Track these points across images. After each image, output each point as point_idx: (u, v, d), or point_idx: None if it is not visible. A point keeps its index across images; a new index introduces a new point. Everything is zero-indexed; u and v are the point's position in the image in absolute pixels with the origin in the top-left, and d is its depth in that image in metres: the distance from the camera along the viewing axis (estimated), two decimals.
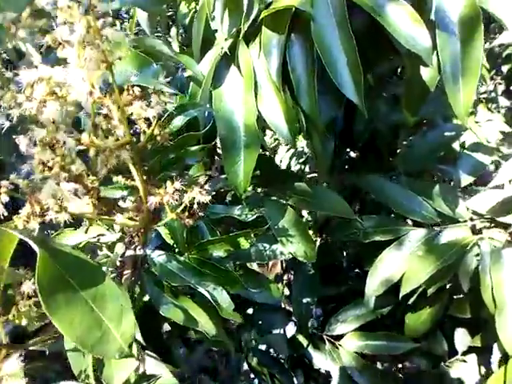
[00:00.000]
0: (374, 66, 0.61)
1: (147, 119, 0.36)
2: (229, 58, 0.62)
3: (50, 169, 0.34)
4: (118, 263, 0.58)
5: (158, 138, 0.35)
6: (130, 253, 0.61)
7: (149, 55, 0.59)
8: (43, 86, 0.31)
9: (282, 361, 0.97)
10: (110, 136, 0.34)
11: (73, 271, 0.39)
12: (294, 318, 1.01)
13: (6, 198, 0.34)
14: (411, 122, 0.64)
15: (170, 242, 0.66)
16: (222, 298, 0.60)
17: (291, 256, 0.72)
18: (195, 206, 0.45)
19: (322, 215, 0.93)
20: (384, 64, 0.69)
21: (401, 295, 0.76)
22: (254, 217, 0.63)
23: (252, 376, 1.03)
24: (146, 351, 0.61)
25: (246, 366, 1.02)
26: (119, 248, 0.59)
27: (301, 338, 0.97)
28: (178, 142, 0.57)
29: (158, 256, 0.60)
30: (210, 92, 0.62)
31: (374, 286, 0.82)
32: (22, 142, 0.38)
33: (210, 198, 0.45)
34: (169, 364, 0.83)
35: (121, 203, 0.52)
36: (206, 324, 0.59)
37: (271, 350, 1.02)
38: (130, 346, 0.41)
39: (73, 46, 0.29)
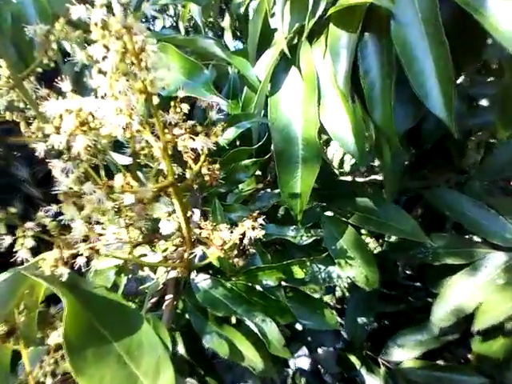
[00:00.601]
0: (462, 72, 0.51)
1: (194, 150, 0.30)
2: (288, 60, 0.55)
3: (81, 209, 0.30)
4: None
5: (207, 177, 0.29)
6: (172, 275, 0.56)
7: (200, 56, 0.53)
8: (72, 118, 0.25)
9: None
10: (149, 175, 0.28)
11: (105, 319, 0.34)
12: (345, 335, 0.95)
13: (31, 243, 0.30)
14: (505, 137, 0.53)
15: (217, 264, 0.61)
16: (271, 331, 0.54)
17: (349, 280, 0.65)
18: (246, 242, 0.39)
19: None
20: (471, 66, 0.58)
21: (475, 330, 0.67)
22: (310, 240, 0.57)
23: None
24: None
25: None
26: (162, 270, 0.54)
27: (353, 358, 0.90)
28: (229, 157, 0.51)
29: (203, 280, 0.55)
30: (266, 99, 0.55)
31: (441, 314, 0.73)
32: (56, 167, 0.33)
33: (263, 232, 0.39)
34: (211, 379, 0.80)
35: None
36: (252, 358, 0.54)
37: (320, 369, 0.95)
38: None
39: (105, 73, 0.24)
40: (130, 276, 0.59)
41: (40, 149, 0.27)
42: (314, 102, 0.52)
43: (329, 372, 0.94)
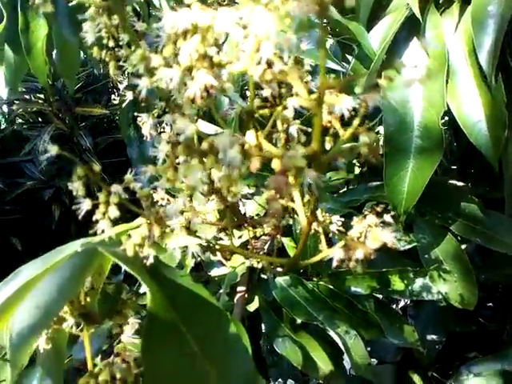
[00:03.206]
0: None
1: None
2: (411, 30, 0.44)
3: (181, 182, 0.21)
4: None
5: (363, 148, 0.20)
6: (246, 265, 0.48)
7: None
8: (195, 40, 0.17)
9: None
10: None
11: (191, 321, 0.26)
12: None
13: (115, 213, 0.22)
14: None
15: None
16: (356, 345, 0.45)
17: (440, 296, 0.54)
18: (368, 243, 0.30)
19: None
20: None
21: None
22: (411, 246, 0.47)
23: None
24: None
25: None
26: (236, 260, 0.46)
27: (416, 377, 0.79)
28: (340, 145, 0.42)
29: (281, 276, 0.46)
30: (379, 73, 0.45)
31: None
32: (145, 123, 0.26)
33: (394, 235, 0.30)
34: (259, 375, 0.72)
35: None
36: (328, 372, 0.45)
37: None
38: None
39: None
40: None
41: (143, 85, 0.19)
42: (442, 82, 0.42)
43: None
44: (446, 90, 0.42)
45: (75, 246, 0.28)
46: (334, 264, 0.23)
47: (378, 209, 0.29)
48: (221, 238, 0.48)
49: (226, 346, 0.27)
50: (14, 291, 0.24)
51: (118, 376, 0.24)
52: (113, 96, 2.25)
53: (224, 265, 0.48)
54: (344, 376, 0.51)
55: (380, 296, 0.59)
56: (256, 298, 0.51)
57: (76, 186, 0.22)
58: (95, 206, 0.23)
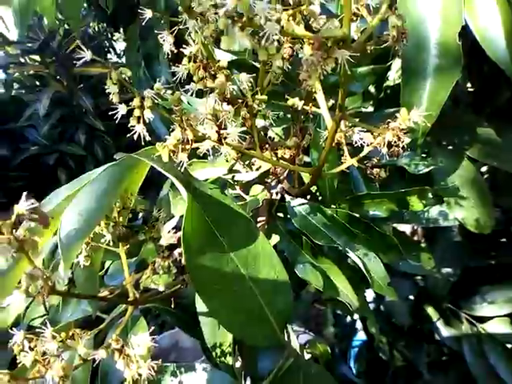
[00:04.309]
0: None
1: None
2: None
3: (214, 77, 0.22)
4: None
5: (393, 31, 0.21)
6: (265, 196, 0.50)
7: None
8: None
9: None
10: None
11: (222, 225, 0.28)
12: (421, 285, 0.87)
13: (150, 116, 0.23)
14: None
15: (313, 188, 0.54)
16: (375, 267, 0.47)
17: (457, 223, 0.56)
18: (385, 151, 0.31)
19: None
20: None
21: None
22: (429, 169, 0.48)
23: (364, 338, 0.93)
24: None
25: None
26: (256, 190, 0.48)
27: (430, 310, 0.83)
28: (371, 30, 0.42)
29: (300, 205, 0.48)
30: None
31: None
32: (166, 40, 0.26)
33: (409, 140, 0.31)
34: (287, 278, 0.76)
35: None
36: (349, 293, 0.48)
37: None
38: (282, 330, 0.31)
39: None
40: None
41: None
42: None
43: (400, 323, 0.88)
44: (463, 5, 0.41)
45: (106, 165, 0.29)
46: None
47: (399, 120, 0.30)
48: (238, 171, 0.49)
49: (255, 249, 0.29)
50: (59, 202, 0.26)
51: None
52: (109, 55, 2.22)
53: (244, 198, 0.50)
54: (365, 301, 0.53)
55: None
56: (274, 236, 0.53)
57: (112, 90, 0.22)
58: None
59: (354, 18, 0.22)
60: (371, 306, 0.91)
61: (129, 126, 0.24)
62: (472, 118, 0.56)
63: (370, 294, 0.93)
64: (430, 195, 0.44)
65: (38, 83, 2.15)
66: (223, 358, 0.34)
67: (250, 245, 0.30)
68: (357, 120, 0.29)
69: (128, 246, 0.33)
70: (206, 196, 0.28)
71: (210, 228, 0.27)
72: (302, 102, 0.28)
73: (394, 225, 0.60)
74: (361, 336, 0.97)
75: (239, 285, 0.28)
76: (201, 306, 0.37)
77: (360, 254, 0.47)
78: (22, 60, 2.08)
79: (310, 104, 0.27)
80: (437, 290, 0.81)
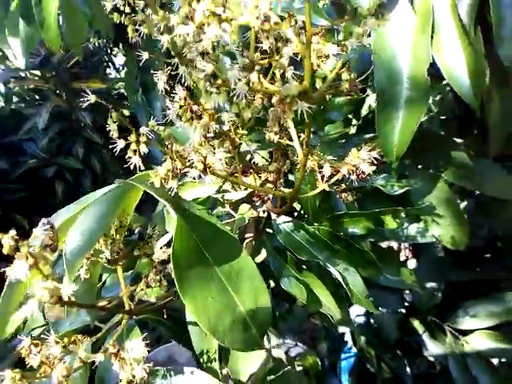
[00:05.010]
0: None
1: (327, 57, 0.26)
2: None
3: (199, 117, 0.27)
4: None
5: (345, 84, 0.25)
6: (252, 215, 0.54)
7: None
8: (206, 3, 0.22)
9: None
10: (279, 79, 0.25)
11: (209, 243, 0.32)
12: (408, 300, 0.91)
13: (145, 150, 0.28)
14: None
15: (297, 206, 0.58)
16: (355, 281, 0.51)
17: (433, 240, 0.60)
18: (353, 178, 0.36)
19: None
20: None
21: None
22: (403, 190, 0.52)
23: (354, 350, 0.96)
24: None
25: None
26: (243, 208, 0.52)
27: (416, 323, 0.86)
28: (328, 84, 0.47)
29: (285, 223, 0.52)
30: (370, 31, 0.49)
31: None
32: (160, 78, 0.31)
33: (374, 168, 0.36)
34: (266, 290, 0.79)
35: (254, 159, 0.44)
36: (331, 306, 0.52)
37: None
38: (263, 337, 0.35)
39: None
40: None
41: (164, 39, 0.24)
42: (427, 36, 0.46)
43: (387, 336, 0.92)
44: (431, 44, 0.46)
45: (104, 189, 0.34)
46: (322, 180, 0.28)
47: (368, 147, 0.34)
48: (227, 191, 0.54)
49: (238, 265, 0.33)
50: (61, 223, 0.30)
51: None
52: (108, 70, 2.28)
53: (233, 216, 0.54)
54: (347, 314, 0.57)
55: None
56: (262, 250, 0.57)
57: (112, 128, 0.27)
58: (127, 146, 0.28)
59: (316, 70, 0.26)
60: (361, 320, 0.95)
61: (126, 157, 0.28)
62: (447, 142, 0.61)
63: (360, 310, 0.97)
64: (403, 215, 0.48)
65: (37, 97, 2.20)
66: (210, 364, 0.38)
67: (233, 260, 0.34)
68: (322, 154, 0.33)
69: (123, 261, 0.37)
70: (195, 217, 0.33)
71: (198, 245, 0.32)
72: (277, 136, 0.33)
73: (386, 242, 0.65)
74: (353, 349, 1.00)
75: (223, 296, 0.33)
76: (190, 316, 0.41)
77: (340, 268, 0.51)
78: (23, 74, 2.14)
79: (284, 138, 0.32)
80: (422, 304, 0.84)
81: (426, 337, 0.85)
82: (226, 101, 0.24)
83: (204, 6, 0.23)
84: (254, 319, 0.34)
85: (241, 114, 0.29)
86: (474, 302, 0.80)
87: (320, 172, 0.33)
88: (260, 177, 0.40)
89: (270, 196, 0.48)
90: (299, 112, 0.24)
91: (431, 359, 0.92)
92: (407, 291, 0.93)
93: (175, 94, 0.31)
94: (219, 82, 0.23)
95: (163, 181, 0.29)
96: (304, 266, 0.54)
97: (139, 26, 0.33)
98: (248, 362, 0.39)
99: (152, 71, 0.33)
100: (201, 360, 0.38)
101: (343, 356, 1.02)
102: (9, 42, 0.56)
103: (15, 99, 2.27)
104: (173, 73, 0.34)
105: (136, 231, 0.65)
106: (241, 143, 0.32)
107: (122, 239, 0.40)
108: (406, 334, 0.89)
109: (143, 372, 0.29)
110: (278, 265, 0.53)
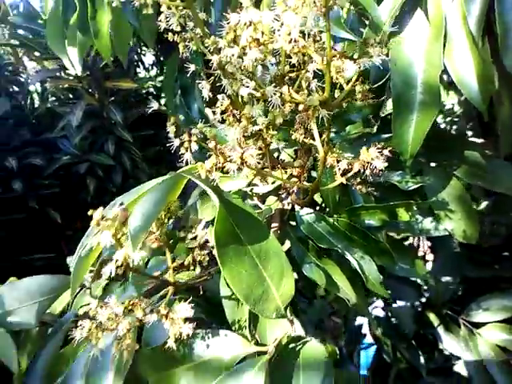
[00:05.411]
0: None
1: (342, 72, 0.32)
2: (414, 2, 0.54)
3: (239, 121, 0.33)
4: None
5: (359, 94, 0.31)
6: (278, 206, 0.60)
7: None
8: (250, 30, 0.29)
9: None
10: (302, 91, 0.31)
11: (243, 226, 0.39)
12: (425, 294, 0.96)
13: (195, 147, 0.34)
14: None
15: (318, 199, 0.64)
16: (370, 268, 0.57)
17: (446, 233, 0.65)
18: (368, 172, 0.41)
19: None
20: None
21: None
22: (417, 186, 0.57)
23: (371, 342, 1.01)
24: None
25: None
26: (270, 201, 0.58)
27: (432, 316, 0.91)
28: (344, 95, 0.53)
29: (307, 214, 0.58)
30: (388, 40, 0.55)
31: None
32: (204, 87, 0.37)
33: (386, 164, 0.41)
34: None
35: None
36: (347, 290, 0.57)
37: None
38: (287, 308, 0.41)
39: None
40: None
41: (215, 60, 0.31)
42: (439, 45, 0.51)
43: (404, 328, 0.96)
44: (443, 52, 0.51)
45: (158, 179, 0.40)
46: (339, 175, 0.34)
47: (379, 146, 0.40)
48: (256, 185, 0.60)
49: (266, 245, 0.40)
50: (125, 205, 0.37)
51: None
52: (137, 69, 2.38)
53: (260, 208, 0.60)
54: (363, 300, 0.63)
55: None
56: (286, 241, 0.63)
57: (171, 129, 0.34)
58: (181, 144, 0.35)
59: (336, 84, 0.32)
60: (379, 312, 1.00)
61: (179, 153, 0.35)
62: (461, 142, 0.66)
63: (379, 303, 1.02)
64: (415, 208, 0.53)
65: (71, 96, 2.32)
66: (240, 331, 0.44)
67: (262, 242, 0.40)
68: (340, 152, 0.39)
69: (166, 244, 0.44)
70: (231, 203, 0.39)
71: (233, 228, 0.38)
72: (302, 136, 0.39)
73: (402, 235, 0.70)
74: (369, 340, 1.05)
75: (254, 271, 0.39)
76: (224, 291, 0.48)
77: (357, 257, 0.56)
78: (58, 74, 2.25)
79: (309, 138, 0.38)
80: (437, 297, 0.89)
81: (440, 329, 0.89)
82: (262, 109, 0.30)
83: (248, 33, 0.29)
84: (280, 292, 0.40)
85: (273, 119, 0.36)
86: (487, 297, 0.84)
87: (338, 167, 0.39)
88: (286, 172, 0.46)
89: (295, 189, 0.54)
90: (320, 117, 0.30)
91: (447, 353, 0.97)
92: (425, 287, 0.98)
93: (217, 100, 0.38)
94: (259, 95, 0.29)
95: (208, 173, 0.35)
96: (324, 255, 0.60)
97: (188, 42, 0.40)
98: (273, 329, 0.45)
99: (188, 76, 0.39)
100: (233, 328, 0.45)
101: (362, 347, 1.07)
102: (68, 52, 0.64)
103: (51, 98, 2.39)
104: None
105: (170, 222, 0.72)
106: (271, 142, 0.38)
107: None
108: (422, 327, 0.93)
109: (189, 329, 0.35)
110: (301, 253, 0.59)
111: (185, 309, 0.37)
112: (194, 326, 0.38)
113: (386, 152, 0.40)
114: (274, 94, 0.28)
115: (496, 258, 0.99)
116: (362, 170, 0.41)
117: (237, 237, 0.38)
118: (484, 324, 0.83)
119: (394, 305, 0.99)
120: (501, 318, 0.81)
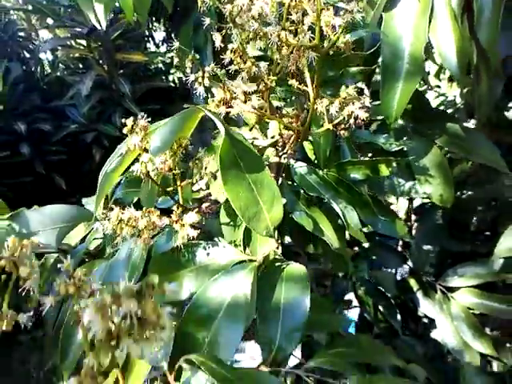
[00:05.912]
0: None
1: (333, 27, 0.40)
2: None
3: (245, 63, 0.41)
4: None
5: (342, 45, 0.39)
6: (275, 159, 0.69)
7: None
8: None
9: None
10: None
11: (243, 156, 0.47)
12: (408, 263, 1.04)
13: (207, 82, 0.42)
14: None
15: (312, 157, 0.72)
16: (352, 216, 0.65)
17: (425, 196, 0.74)
18: (351, 121, 0.50)
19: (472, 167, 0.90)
20: None
21: None
22: (399, 148, 0.66)
23: (354, 304, 1.10)
24: None
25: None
26: (269, 152, 0.67)
27: (412, 281, 1.00)
28: (340, 60, 0.61)
29: (300, 167, 0.67)
30: (381, 14, 0.62)
31: (506, 246, 0.80)
32: (217, 37, 0.45)
33: (367, 114, 0.49)
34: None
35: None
36: (331, 235, 0.66)
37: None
38: (275, 229, 0.50)
39: None
40: None
41: (228, 9, 0.39)
42: (426, 21, 0.59)
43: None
44: (428, 27, 0.59)
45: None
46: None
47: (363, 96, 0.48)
48: (256, 138, 0.68)
49: (261, 176, 0.48)
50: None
51: None
52: (148, 45, 2.45)
53: None
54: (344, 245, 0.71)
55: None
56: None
57: (187, 65, 0.42)
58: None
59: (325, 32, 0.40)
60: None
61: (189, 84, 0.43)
62: (444, 115, 0.74)
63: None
64: (394, 164, 0.62)
65: (81, 66, 2.39)
66: (236, 248, 0.53)
67: (258, 172, 0.49)
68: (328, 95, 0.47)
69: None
70: (233, 137, 0.48)
71: (235, 157, 0.47)
72: (297, 82, 0.47)
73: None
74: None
75: (250, 194, 0.47)
76: (224, 219, 0.56)
77: (342, 206, 0.65)
78: (69, 43, 2.31)
79: (302, 84, 0.46)
80: (418, 263, 0.98)
81: (419, 294, 0.98)
82: (264, 48, 0.38)
83: None
84: (270, 214, 0.48)
85: (274, 64, 0.44)
86: (463, 265, 0.93)
87: (324, 107, 0.47)
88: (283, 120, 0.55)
89: (291, 139, 0.62)
90: (310, 60, 0.38)
91: (426, 321, 1.06)
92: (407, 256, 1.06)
93: (227, 49, 0.46)
94: (261, 33, 0.37)
95: (216, 107, 0.44)
96: (313, 205, 0.69)
97: None
98: (263, 248, 0.53)
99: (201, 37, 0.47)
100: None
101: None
102: (94, 7, 0.72)
103: (61, 67, 2.45)
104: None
105: None
106: (272, 87, 0.46)
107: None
108: (403, 292, 1.02)
109: (194, 232, 0.44)
110: (292, 201, 0.67)
111: (192, 216, 0.45)
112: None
113: (367, 102, 0.49)
114: (272, 34, 0.36)
115: (477, 236, 1.08)
116: (347, 119, 0.49)
117: (237, 164, 0.47)
118: (458, 288, 0.92)
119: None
120: (473, 283, 0.90)
